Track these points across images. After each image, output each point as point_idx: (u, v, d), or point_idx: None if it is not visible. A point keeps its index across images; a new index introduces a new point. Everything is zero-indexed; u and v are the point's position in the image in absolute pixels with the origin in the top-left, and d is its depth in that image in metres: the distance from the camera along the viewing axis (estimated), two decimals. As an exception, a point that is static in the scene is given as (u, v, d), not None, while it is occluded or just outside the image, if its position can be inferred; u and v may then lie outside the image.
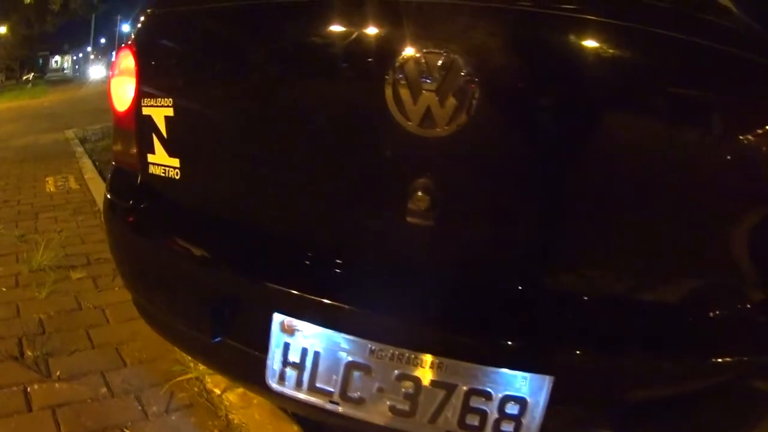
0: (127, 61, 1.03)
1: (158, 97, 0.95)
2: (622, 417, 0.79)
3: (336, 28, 0.78)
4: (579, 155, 0.71)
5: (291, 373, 0.82)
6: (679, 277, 0.77)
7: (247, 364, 0.90)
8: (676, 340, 0.76)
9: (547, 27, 0.70)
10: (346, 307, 0.78)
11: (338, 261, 0.82)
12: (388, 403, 0.79)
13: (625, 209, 0.72)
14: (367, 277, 0.79)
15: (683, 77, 0.70)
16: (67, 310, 1.75)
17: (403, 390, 0.78)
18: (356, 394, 0.80)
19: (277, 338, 0.83)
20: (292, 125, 0.83)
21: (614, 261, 0.75)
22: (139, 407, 1.27)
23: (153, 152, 0.98)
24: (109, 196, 1.16)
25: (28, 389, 1.32)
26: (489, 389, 0.78)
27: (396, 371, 0.78)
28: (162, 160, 0.97)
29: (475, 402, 0.78)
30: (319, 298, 0.79)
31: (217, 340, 0.93)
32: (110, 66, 1.20)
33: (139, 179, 1.04)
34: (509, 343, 0.76)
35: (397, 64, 0.70)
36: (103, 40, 50.83)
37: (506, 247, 0.77)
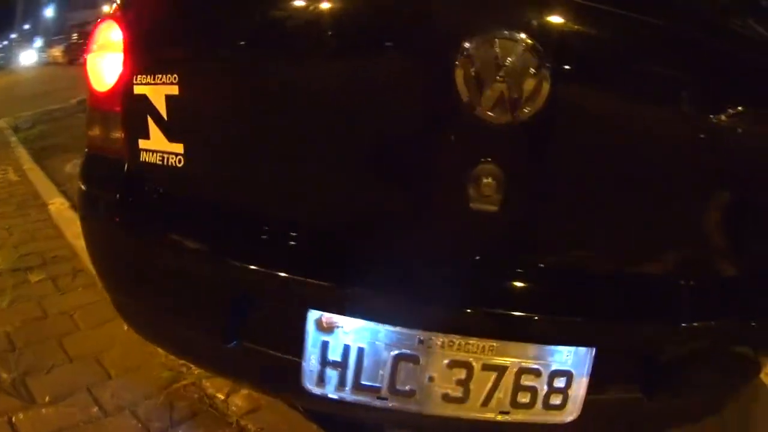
0: (110, 33, 0.89)
1: (157, 74, 0.82)
2: (648, 377, 0.83)
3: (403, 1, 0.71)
4: (640, 144, 0.72)
5: (332, 374, 0.77)
6: (697, 252, 0.82)
7: (273, 368, 0.83)
8: (692, 307, 0.81)
9: (623, 22, 0.70)
10: (395, 297, 0.73)
11: (385, 250, 0.76)
12: (440, 391, 0.77)
13: (669, 194, 0.75)
14: (418, 265, 0.75)
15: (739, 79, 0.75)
16: (33, 319, 1.59)
17: (455, 377, 0.76)
18: (406, 387, 0.77)
19: (313, 337, 0.77)
20: (338, 103, 0.75)
21: (648, 240, 0.78)
22: (139, 425, 1.17)
23: (146, 137, 0.85)
24: (85, 188, 1.00)
25: (13, 419, 1.18)
26: (538, 366, 0.78)
27: (447, 359, 0.76)
28: (160, 146, 0.85)
29: (526, 380, 0.78)
30: (365, 291, 0.74)
31: (233, 344, 0.85)
32: (78, 45, 1.05)
33: (125, 168, 0.91)
34: (559, 320, 0.76)
35: (470, 47, 0.66)
36: (26, 27, 46.71)
37: (561, 231, 0.76)
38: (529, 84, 0.65)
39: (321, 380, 0.78)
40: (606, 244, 0.78)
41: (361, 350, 0.76)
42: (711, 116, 0.71)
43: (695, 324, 0.79)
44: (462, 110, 0.67)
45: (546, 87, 0.65)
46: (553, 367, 0.78)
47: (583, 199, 0.75)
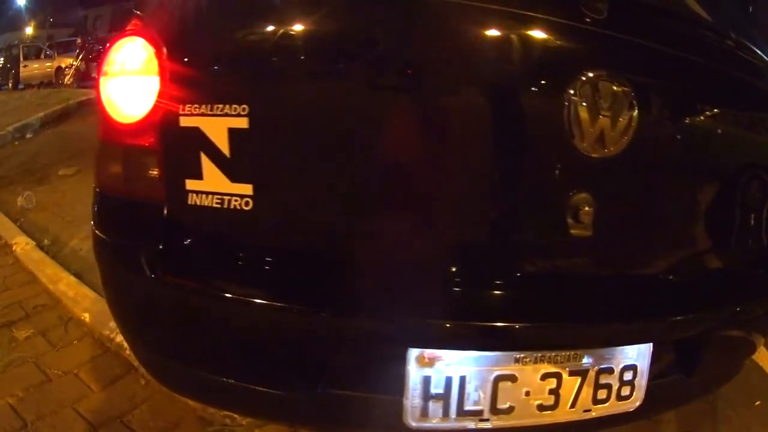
0: (136, 52, 0.79)
1: (217, 103, 0.73)
2: (687, 360, 0.95)
3: (518, 38, 0.75)
4: (708, 170, 0.88)
5: (435, 406, 0.80)
6: (736, 254, 0.97)
7: (368, 410, 0.83)
8: (726, 298, 0.95)
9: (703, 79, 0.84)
10: (498, 324, 0.78)
11: (486, 281, 0.80)
12: (535, 403, 0.83)
13: (728, 207, 0.90)
14: (518, 290, 0.80)
15: None
16: (37, 385, 1.41)
17: (548, 387, 0.83)
18: (506, 405, 0.81)
19: (415, 374, 0.79)
20: (438, 134, 0.76)
21: (705, 248, 0.92)
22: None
23: (197, 177, 0.77)
24: (107, 238, 0.88)
25: None
26: (612, 365, 0.86)
27: (540, 372, 0.81)
28: (218, 188, 0.76)
29: (603, 379, 0.86)
30: (469, 323, 0.77)
31: (316, 393, 0.83)
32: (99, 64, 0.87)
33: (165, 213, 0.81)
34: (633, 325, 0.86)
35: (578, 88, 0.73)
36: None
37: (638, 248, 0.87)
38: (623, 121, 0.74)
39: (424, 414, 0.80)
40: (672, 253, 0.90)
41: (463, 378, 0.79)
42: None
43: (729, 312, 0.94)
44: (569, 146, 0.74)
45: (634, 125, 0.75)
46: (623, 364, 0.87)
47: (657, 219, 0.86)
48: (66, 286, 1.82)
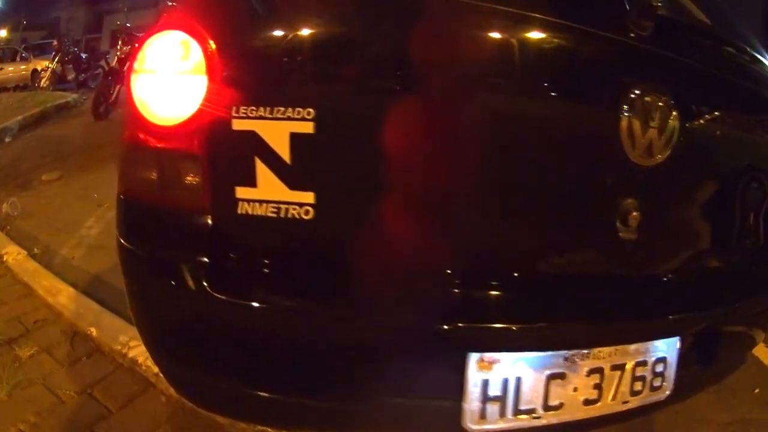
0: (176, 49, 0.74)
1: (278, 106, 0.69)
2: (707, 352, 1.03)
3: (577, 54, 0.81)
4: (736, 175, 0.95)
5: (492, 408, 0.84)
6: (751, 252, 1.05)
7: (424, 417, 0.86)
8: (742, 294, 1.02)
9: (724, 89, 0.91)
10: (552, 325, 0.83)
11: (544, 283, 0.85)
12: (581, 398, 0.88)
13: (743, 210, 0.98)
14: (572, 291, 0.85)
15: None
16: (49, 408, 1.34)
17: (592, 382, 0.88)
18: (556, 402, 0.87)
19: (474, 378, 0.82)
20: (513, 145, 0.79)
21: (729, 246, 1.00)
22: None
23: (251, 184, 0.73)
24: (138, 250, 0.83)
25: None
26: (646, 358, 0.93)
27: (586, 369, 0.87)
28: (274, 196, 0.72)
29: (639, 371, 0.93)
30: (534, 325, 0.81)
31: (374, 402, 0.85)
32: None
33: (210, 223, 0.76)
34: (667, 321, 0.92)
35: (630, 102, 0.79)
36: None
37: (674, 248, 0.93)
38: (667, 132, 0.81)
39: (482, 416, 0.84)
40: (704, 252, 0.97)
41: (518, 379, 0.84)
42: None
43: (742, 307, 1.02)
44: (621, 155, 0.80)
45: (676, 135, 0.81)
46: (655, 357, 0.94)
47: (694, 222, 0.94)
48: (66, 298, 1.76)
